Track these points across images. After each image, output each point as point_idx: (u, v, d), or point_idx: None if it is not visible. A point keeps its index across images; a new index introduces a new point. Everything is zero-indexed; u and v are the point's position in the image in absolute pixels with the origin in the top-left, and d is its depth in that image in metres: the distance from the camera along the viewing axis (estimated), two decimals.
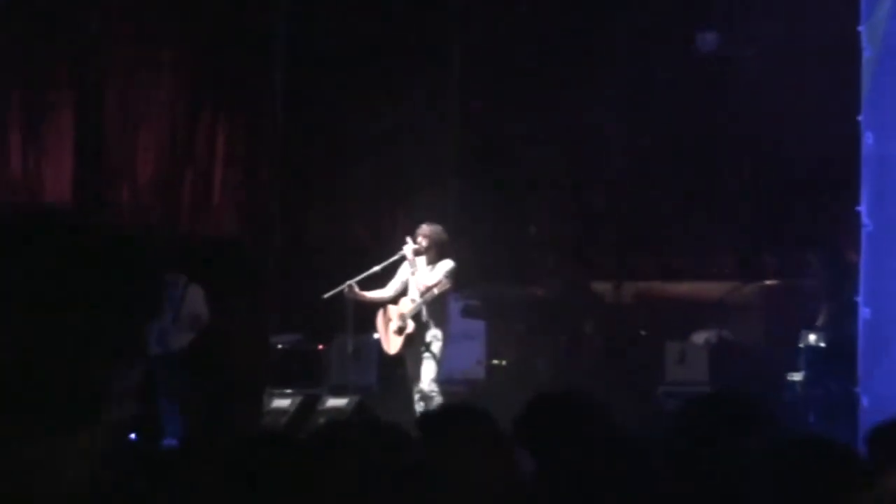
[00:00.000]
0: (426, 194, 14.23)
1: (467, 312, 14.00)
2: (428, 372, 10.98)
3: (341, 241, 14.87)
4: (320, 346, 13.26)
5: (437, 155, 14.93)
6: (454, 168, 15.13)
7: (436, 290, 10.81)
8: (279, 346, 13.46)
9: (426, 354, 11.03)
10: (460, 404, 5.39)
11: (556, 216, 15.59)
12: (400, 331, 11.12)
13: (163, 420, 11.92)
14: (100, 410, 4.16)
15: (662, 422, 10.11)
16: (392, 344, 11.21)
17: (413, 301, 11.09)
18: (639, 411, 11.57)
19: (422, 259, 11.13)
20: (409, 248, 11.06)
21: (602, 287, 15.13)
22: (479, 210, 14.80)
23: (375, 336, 11.60)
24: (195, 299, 12.02)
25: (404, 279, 11.20)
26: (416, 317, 11.12)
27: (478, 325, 14.12)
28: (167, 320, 11.94)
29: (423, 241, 11.11)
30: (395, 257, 11.16)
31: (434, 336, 11.09)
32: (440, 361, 11.02)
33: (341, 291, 11.09)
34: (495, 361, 14.31)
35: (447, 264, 11.08)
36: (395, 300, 11.23)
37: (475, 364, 13.92)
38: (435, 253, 11.08)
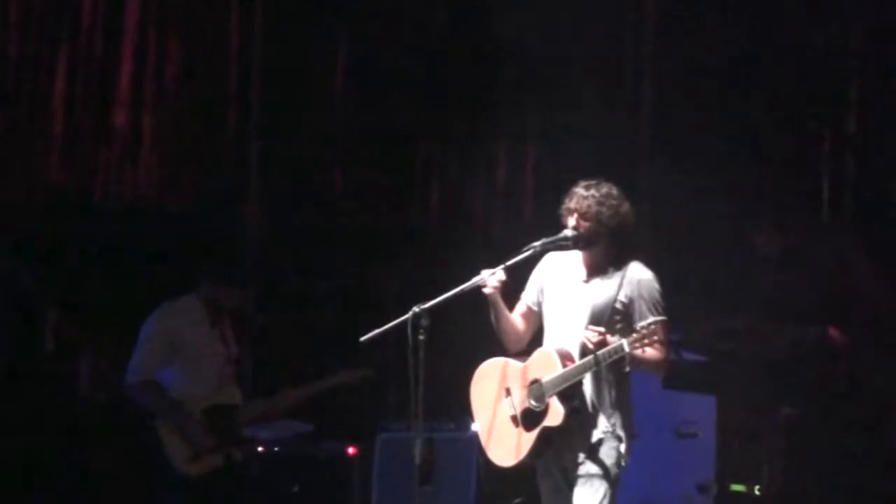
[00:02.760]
0: (567, 130, 11.06)
1: (675, 382, 10.09)
2: None
3: (386, 217, 11.71)
4: (351, 450, 10.31)
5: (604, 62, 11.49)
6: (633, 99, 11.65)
7: (627, 346, 6.95)
8: (260, 449, 10.11)
9: (589, 469, 7.38)
10: None
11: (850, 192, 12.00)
12: (532, 419, 7.39)
13: None
14: None
15: None
16: (516, 447, 7.47)
17: (565, 359, 7.27)
18: None
19: (575, 261, 7.43)
20: (548, 241, 7.47)
21: None
22: (693, 175, 11.33)
23: (473, 427, 8.27)
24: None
25: (538, 299, 7.60)
26: (571, 392, 7.32)
27: (698, 408, 10.51)
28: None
29: (582, 224, 7.33)
30: (521, 256, 7.45)
31: (606, 432, 7.44)
32: (615, 483, 7.43)
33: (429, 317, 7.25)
34: (737, 487, 10.87)
35: (642, 276, 7.34)
36: (522, 347, 7.82)
37: (694, 491, 10.61)
38: (613, 249, 7.37)
